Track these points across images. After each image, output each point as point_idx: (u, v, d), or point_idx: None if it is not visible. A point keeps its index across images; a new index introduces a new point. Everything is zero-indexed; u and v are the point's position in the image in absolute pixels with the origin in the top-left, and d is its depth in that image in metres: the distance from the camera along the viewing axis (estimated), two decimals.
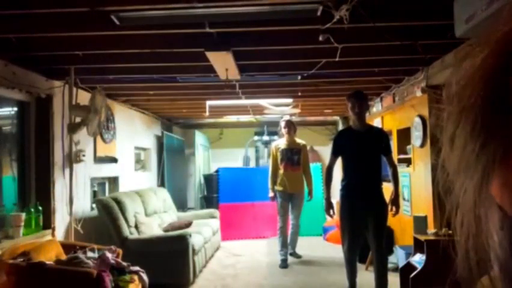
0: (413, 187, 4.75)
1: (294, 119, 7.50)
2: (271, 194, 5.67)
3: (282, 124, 5.72)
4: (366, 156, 3.81)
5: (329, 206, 4.02)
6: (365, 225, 3.76)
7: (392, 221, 4.64)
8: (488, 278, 0.34)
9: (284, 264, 5.39)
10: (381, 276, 3.80)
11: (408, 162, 4.87)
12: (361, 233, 3.82)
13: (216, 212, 6.79)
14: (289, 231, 5.71)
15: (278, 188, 5.61)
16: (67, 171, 4.28)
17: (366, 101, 4.00)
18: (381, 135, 3.96)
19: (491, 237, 0.33)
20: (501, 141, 0.30)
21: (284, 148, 5.66)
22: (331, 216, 4.19)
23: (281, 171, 5.60)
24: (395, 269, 4.49)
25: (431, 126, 4.02)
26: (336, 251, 6.22)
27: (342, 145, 3.91)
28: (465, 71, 0.34)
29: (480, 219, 0.33)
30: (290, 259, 5.58)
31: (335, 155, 3.99)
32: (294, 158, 5.65)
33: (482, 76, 0.33)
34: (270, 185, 5.69)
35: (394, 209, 3.84)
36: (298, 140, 5.82)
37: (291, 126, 5.70)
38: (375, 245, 3.77)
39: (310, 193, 5.81)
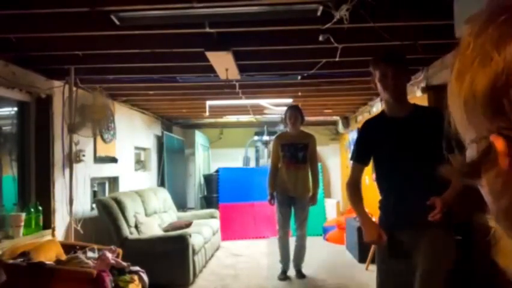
0: None
1: None
2: (269, 198, 4.78)
3: (288, 114, 4.76)
4: (413, 156, 2.26)
5: (372, 230, 2.33)
6: (413, 267, 2.23)
7: None
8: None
9: (282, 277, 4.79)
10: None
11: None
12: (410, 278, 2.24)
13: (216, 212, 6.80)
14: (294, 244, 4.87)
15: (277, 190, 4.77)
16: (67, 171, 4.28)
17: (406, 66, 2.35)
18: (437, 118, 2.08)
19: None
20: None
21: (287, 143, 4.78)
22: (378, 243, 2.38)
23: (283, 170, 4.77)
24: None
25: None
26: (336, 251, 6.24)
27: (371, 142, 2.41)
28: None
29: None
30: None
31: (361, 160, 2.46)
32: (299, 154, 4.74)
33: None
34: (268, 188, 4.79)
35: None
36: (306, 132, 4.93)
37: (297, 115, 4.75)
38: None
39: (313, 197, 4.78)
